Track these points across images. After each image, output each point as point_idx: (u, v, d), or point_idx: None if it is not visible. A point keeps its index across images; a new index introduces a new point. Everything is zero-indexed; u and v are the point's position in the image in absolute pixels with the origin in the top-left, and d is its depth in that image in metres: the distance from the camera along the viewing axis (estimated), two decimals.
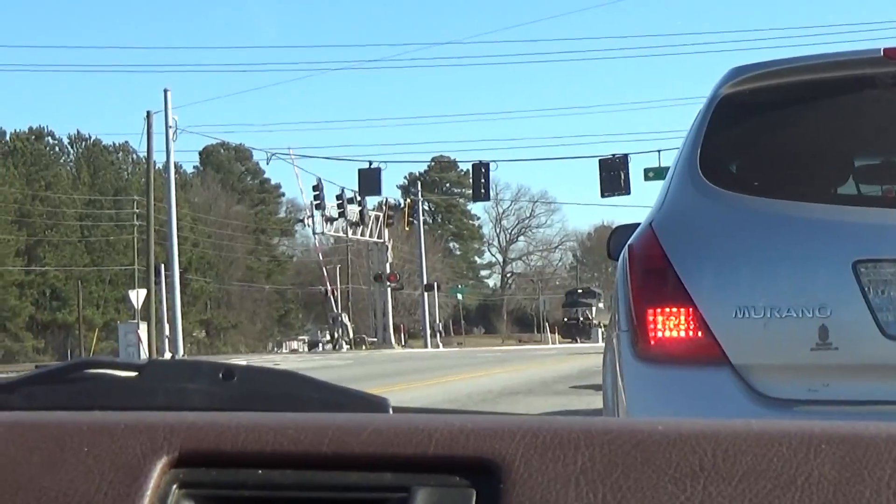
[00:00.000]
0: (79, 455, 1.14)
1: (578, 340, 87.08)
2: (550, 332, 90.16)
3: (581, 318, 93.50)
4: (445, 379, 25.37)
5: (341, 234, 67.95)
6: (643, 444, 1.08)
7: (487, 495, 1.06)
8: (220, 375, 1.44)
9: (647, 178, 44.54)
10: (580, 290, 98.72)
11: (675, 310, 4.11)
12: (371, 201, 67.29)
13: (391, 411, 1.41)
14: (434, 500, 1.07)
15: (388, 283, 71.33)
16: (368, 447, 1.11)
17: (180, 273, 49.74)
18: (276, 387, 1.44)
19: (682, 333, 4.09)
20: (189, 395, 1.42)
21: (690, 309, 4.08)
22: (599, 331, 78.99)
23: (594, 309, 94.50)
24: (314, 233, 67.77)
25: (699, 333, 4.07)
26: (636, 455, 1.07)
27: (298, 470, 1.11)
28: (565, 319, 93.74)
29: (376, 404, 1.41)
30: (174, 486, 1.11)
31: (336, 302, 75.22)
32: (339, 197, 61.84)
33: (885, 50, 4.35)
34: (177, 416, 1.20)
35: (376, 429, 1.13)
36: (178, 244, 48.64)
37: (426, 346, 71.06)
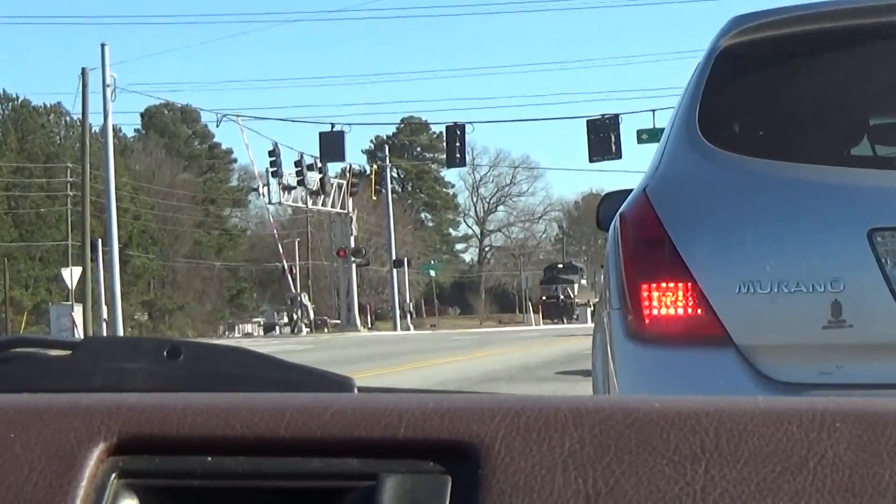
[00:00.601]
0: (4, 442, 1.13)
1: (564, 321, 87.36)
2: (534, 311, 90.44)
3: (561, 297, 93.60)
4: (417, 364, 25.45)
5: (300, 204, 67.92)
6: (638, 425, 1.08)
7: (464, 482, 1.06)
8: (165, 353, 1.43)
9: (640, 140, 44.73)
10: (560, 266, 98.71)
11: (671, 285, 4.12)
12: (333, 168, 67.33)
13: (356, 391, 1.40)
14: (405, 487, 1.07)
15: (353, 259, 71.35)
16: (331, 430, 1.11)
17: (120, 249, 49.62)
18: (228, 365, 1.43)
19: (680, 311, 4.11)
20: (130, 376, 1.41)
21: (689, 284, 4.10)
22: (588, 310, 79.27)
23: (576, 286, 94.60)
24: (270, 203, 67.75)
25: (699, 311, 4.09)
26: (630, 436, 1.07)
27: (253, 456, 1.11)
28: (543, 298, 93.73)
29: (339, 384, 1.41)
30: (113, 476, 1.11)
31: (294, 280, 75.22)
32: (297, 163, 61.77)
33: None
34: (116, 399, 1.19)
35: (340, 409, 1.13)
36: (118, 216, 48.50)
37: (395, 329, 71.27)
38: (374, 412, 1.13)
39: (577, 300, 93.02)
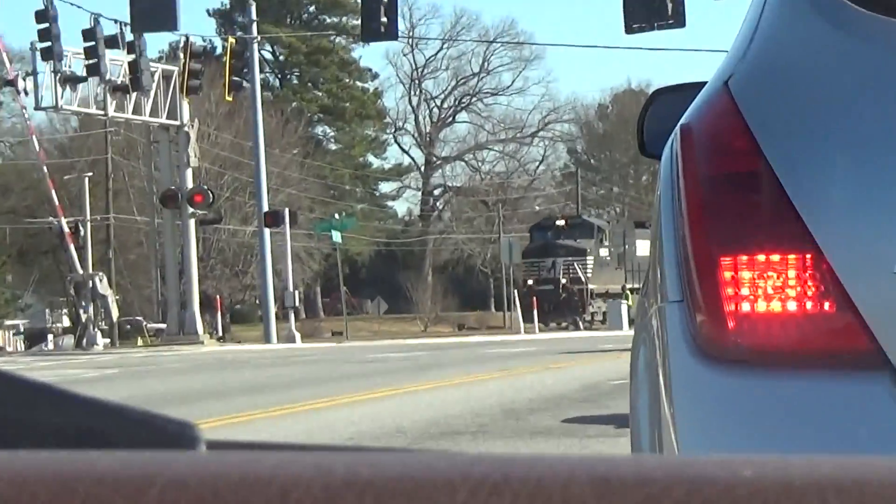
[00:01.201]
0: None
1: (579, 324, 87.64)
2: (521, 308, 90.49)
3: (562, 281, 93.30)
4: (305, 406, 25.49)
5: (93, 110, 67.62)
6: None
7: None
8: None
9: None
10: (560, 223, 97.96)
11: (775, 258, 4.15)
12: (155, 43, 66.99)
13: (203, 447, 1.42)
14: None
15: (191, 212, 71.21)
16: None
17: None
18: None
19: (792, 306, 4.14)
20: None
21: (807, 255, 4.12)
22: (622, 305, 79.46)
23: (589, 261, 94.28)
24: (37, 108, 67.42)
25: (825, 305, 4.12)
26: None
27: None
28: (529, 283, 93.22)
29: (175, 435, 1.42)
30: None
31: (83, 250, 75.03)
32: (88, 34, 61.48)
33: None
34: None
35: (175, 480, 1.14)
36: None
37: (267, 340, 71.30)
38: (236, 484, 1.14)
39: (592, 287, 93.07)
